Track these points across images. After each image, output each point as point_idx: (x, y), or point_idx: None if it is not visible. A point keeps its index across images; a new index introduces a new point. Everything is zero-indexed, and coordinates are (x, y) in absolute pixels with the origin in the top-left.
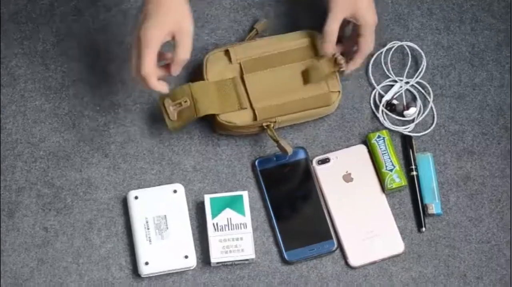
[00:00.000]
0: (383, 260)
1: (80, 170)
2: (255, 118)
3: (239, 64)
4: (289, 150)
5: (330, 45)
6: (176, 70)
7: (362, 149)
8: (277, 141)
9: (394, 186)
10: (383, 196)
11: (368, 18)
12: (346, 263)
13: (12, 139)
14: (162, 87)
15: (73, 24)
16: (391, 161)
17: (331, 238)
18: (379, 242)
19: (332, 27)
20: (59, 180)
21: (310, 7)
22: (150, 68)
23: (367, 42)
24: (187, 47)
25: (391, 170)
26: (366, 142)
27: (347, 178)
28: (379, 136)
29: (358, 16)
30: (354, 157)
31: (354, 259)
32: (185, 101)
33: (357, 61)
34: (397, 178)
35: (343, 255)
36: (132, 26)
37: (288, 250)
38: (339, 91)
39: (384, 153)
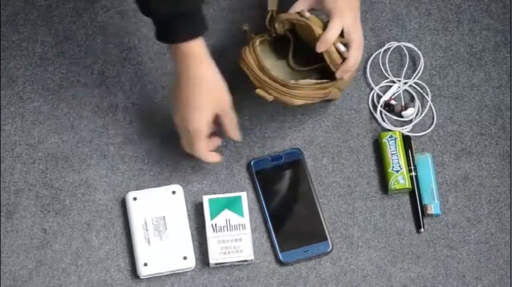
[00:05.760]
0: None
1: (79, 172)
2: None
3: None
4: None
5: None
6: (236, 136)
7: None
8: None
9: (397, 187)
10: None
11: (355, 36)
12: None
13: (11, 140)
14: (215, 158)
15: (71, 25)
16: (398, 163)
17: (326, 239)
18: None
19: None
20: (57, 181)
21: None
22: (203, 151)
23: (353, 56)
24: (233, 125)
25: (397, 171)
26: (377, 140)
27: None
28: (391, 136)
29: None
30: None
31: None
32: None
33: (344, 71)
34: (402, 180)
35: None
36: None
37: (283, 251)
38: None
39: (394, 154)
